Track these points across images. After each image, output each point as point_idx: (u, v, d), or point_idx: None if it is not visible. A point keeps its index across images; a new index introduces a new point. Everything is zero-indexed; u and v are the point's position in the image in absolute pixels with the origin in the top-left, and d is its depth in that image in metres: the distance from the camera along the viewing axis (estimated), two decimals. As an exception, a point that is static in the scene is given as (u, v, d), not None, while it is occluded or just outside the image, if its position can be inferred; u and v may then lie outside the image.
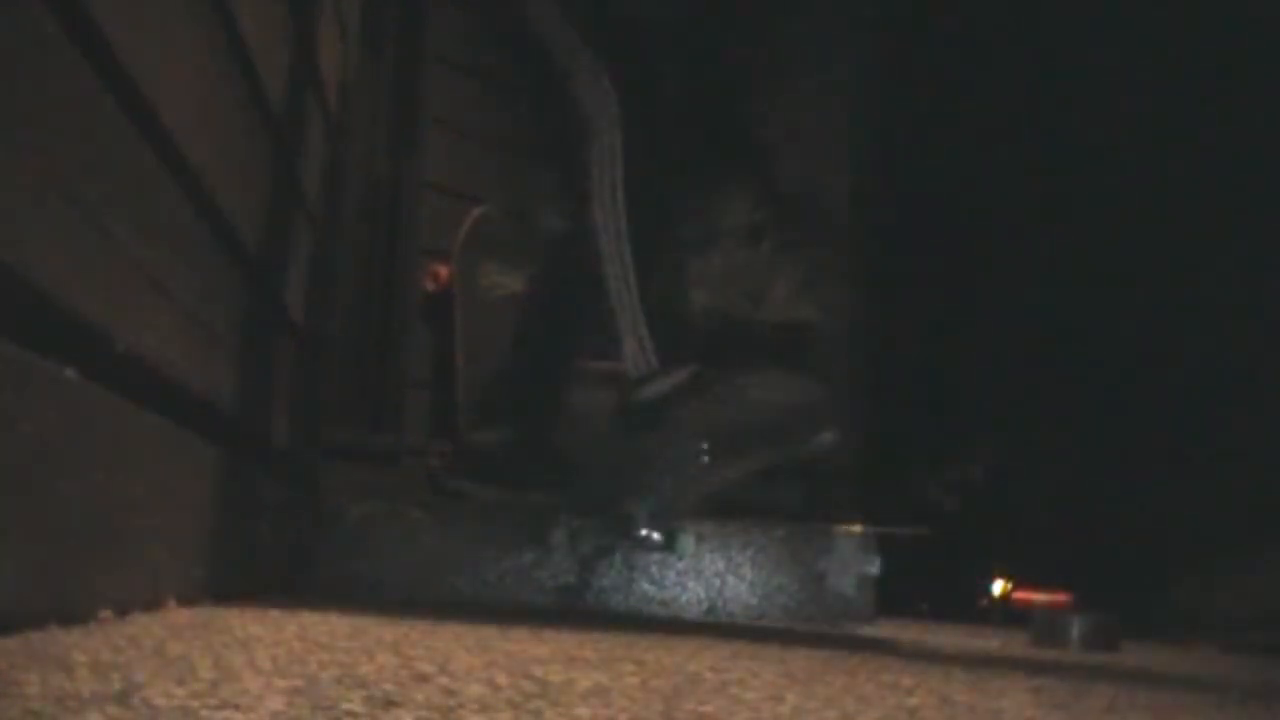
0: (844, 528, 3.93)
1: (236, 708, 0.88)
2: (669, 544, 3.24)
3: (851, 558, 3.90)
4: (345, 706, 0.94)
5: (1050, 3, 6.46)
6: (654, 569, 3.65)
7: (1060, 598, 6.04)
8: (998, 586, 7.49)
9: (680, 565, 3.67)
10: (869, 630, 3.67)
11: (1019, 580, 7.26)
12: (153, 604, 1.56)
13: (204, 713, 0.85)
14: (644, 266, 2.93)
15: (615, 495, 3.12)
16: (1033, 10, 6.46)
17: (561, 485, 3.17)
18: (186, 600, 1.72)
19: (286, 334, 2.52)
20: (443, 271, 4.18)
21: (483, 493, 3.30)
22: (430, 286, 4.20)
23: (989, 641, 3.79)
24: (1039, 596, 6.33)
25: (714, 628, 3.05)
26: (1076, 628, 3.64)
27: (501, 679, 1.24)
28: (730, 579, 3.74)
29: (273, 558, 2.59)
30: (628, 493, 3.11)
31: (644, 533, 3.16)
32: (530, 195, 4.07)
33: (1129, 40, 6.30)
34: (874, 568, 3.94)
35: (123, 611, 1.41)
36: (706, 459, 2.96)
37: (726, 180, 4.17)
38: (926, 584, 6.66)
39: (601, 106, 2.86)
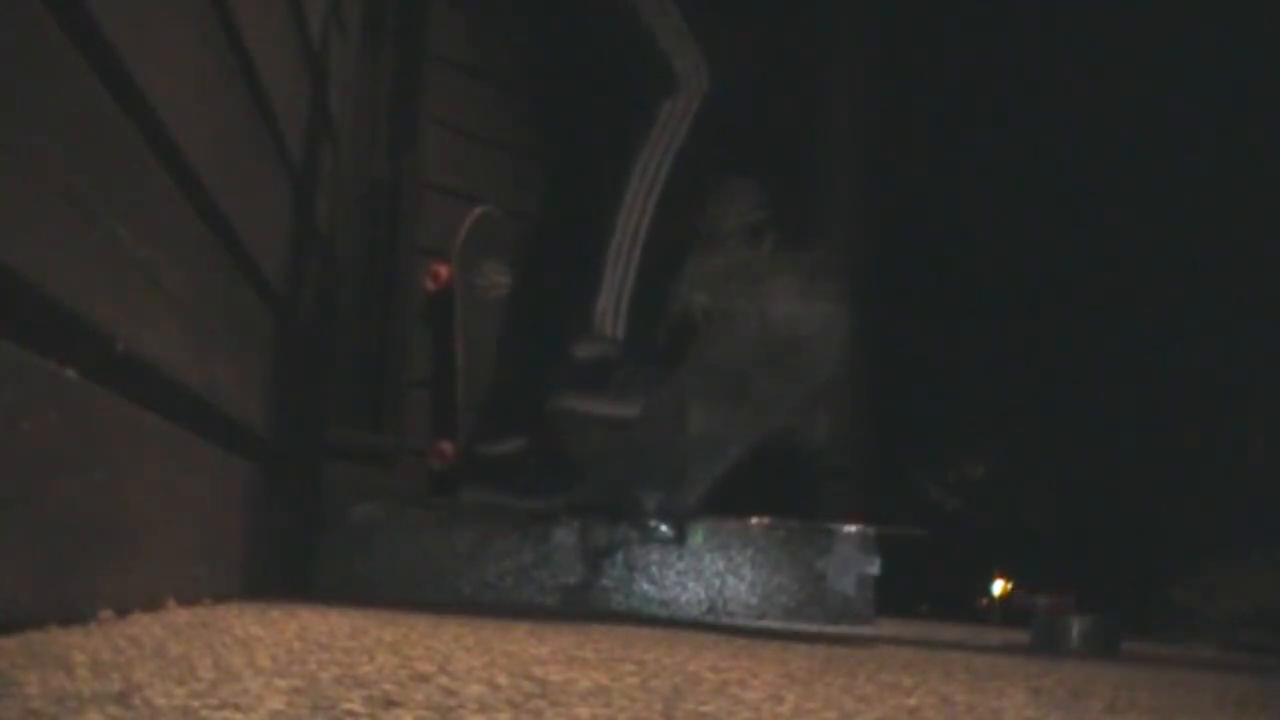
0: (844, 528, 3.93)
1: (236, 708, 0.88)
2: (680, 536, 3.23)
3: (851, 558, 3.89)
4: (345, 706, 0.94)
5: (1056, 11, 6.47)
6: (654, 569, 3.65)
7: (1060, 598, 6.04)
8: (998, 586, 7.48)
9: (680, 565, 3.67)
10: (869, 630, 3.67)
11: (1019, 580, 7.26)
12: (153, 604, 1.56)
13: (204, 713, 0.85)
14: (655, 241, 2.92)
15: (624, 487, 3.12)
16: (1034, 17, 6.46)
17: (569, 485, 3.17)
18: (186, 600, 1.72)
19: (286, 334, 2.52)
20: (443, 271, 4.18)
21: (491, 499, 3.30)
22: (430, 286, 4.20)
23: (989, 641, 3.80)
24: (1039, 597, 6.33)
25: (714, 628, 3.05)
26: (1076, 628, 3.65)
27: (501, 679, 1.24)
28: (730, 579, 3.74)
29: (273, 558, 2.59)
30: (636, 485, 3.11)
31: (654, 524, 3.14)
32: (530, 194, 4.07)
33: (1129, 52, 6.30)
34: (874, 568, 3.94)
35: (123, 611, 1.41)
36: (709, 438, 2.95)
37: (727, 180, 4.17)
38: (926, 584, 6.66)
39: (691, 70, 2.85)
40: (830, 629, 3.52)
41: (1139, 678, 2.48)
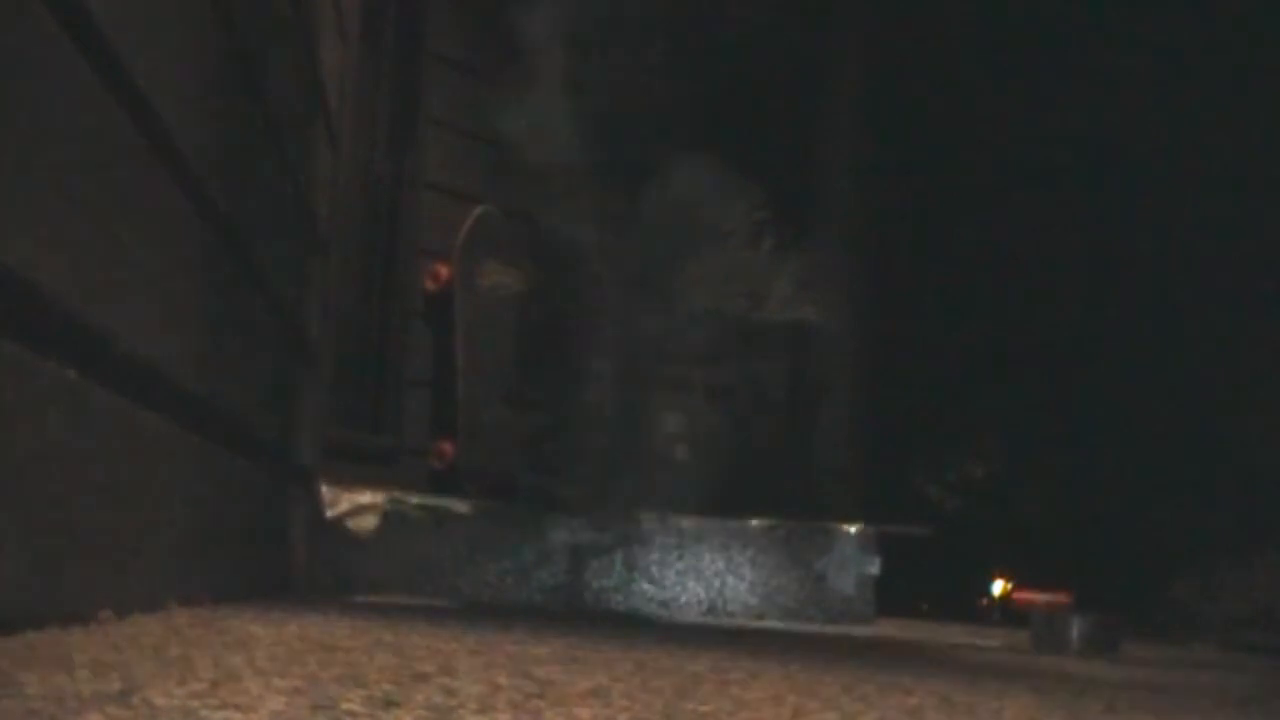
0: (844, 528, 3.93)
1: (236, 708, 0.88)
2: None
3: (851, 558, 3.90)
4: (345, 706, 0.94)
5: (1060, 10, 6.46)
6: (654, 569, 3.65)
7: (1060, 598, 6.04)
8: (998, 586, 7.48)
9: (680, 565, 3.67)
10: (869, 630, 3.67)
11: (1019, 580, 7.26)
12: (153, 604, 1.56)
13: (204, 713, 0.85)
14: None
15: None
16: (1041, 16, 6.46)
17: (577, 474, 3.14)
18: (186, 600, 1.72)
19: (287, 334, 2.52)
20: (443, 271, 4.18)
21: (500, 468, 3.26)
22: (430, 286, 4.20)
23: (989, 641, 3.80)
24: (1039, 596, 6.33)
25: (714, 628, 3.05)
26: (1076, 628, 3.64)
27: (501, 679, 1.24)
28: (730, 579, 3.74)
29: (273, 558, 2.59)
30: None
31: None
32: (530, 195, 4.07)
33: (1134, 50, 6.30)
34: (874, 568, 3.95)
35: (123, 611, 1.41)
36: None
37: (726, 180, 4.17)
38: (926, 584, 6.66)
39: None
40: (830, 629, 3.52)
41: (1139, 678, 2.48)
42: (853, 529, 3.94)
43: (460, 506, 3.50)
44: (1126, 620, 4.03)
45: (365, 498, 3.35)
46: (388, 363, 4.13)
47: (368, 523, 3.34)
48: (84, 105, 1.22)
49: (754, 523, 3.82)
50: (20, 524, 1.12)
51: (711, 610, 3.68)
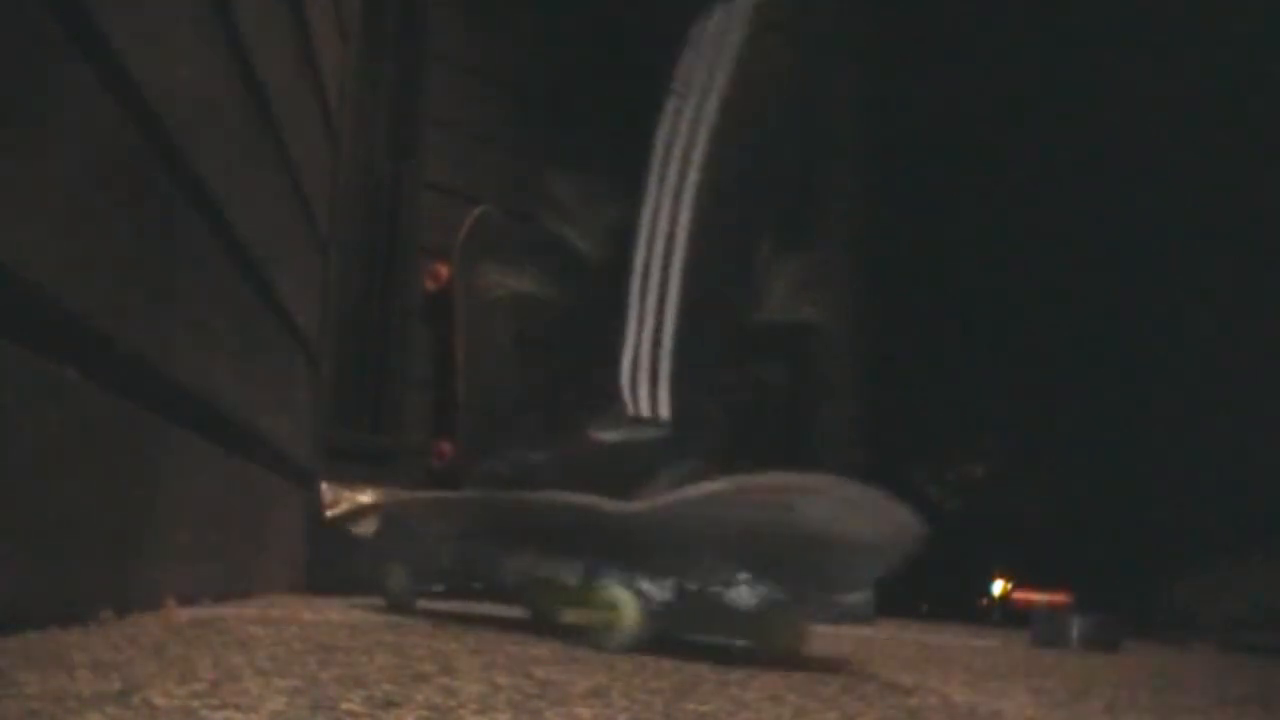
0: None
1: (236, 708, 0.88)
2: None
3: (851, 558, 3.88)
4: (345, 706, 0.94)
5: (1067, 6, 6.47)
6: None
7: (1060, 598, 6.04)
8: (998, 586, 7.48)
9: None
10: (869, 630, 3.67)
11: (1019, 580, 7.26)
12: (153, 604, 1.56)
13: (204, 713, 0.85)
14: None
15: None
16: (1043, 12, 6.46)
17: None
18: (186, 600, 1.72)
19: (286, 334, 2.52)
20: (443, 271, 4.18)
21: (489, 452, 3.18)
22: (430, 286, 4.20)
23: (989, 641, 3.79)
24: (1039, 596, 6.34)
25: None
26: (1076, 628, 3.65)
27: (501, 679, 1.24)
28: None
29: (274, 558, 2.59)
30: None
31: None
32: (531, 196, 4.06)
33: (1135, 50, 6.31)
34: (874, 568, 3.94)
35: (123, 611, 1.41)
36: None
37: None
38: (926, 584, 6.66)
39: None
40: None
41: (1139, 678, 2.48)
42: (853, 529, 3.93)
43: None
44: (1126, 620, 4.03)
45: (365, 498, 3.34)
46: (388, 363, 4.13)
47: (368, 523, 3.34)
48: (83, 104, 1.22)
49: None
50: (20, 524, 1.12)
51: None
